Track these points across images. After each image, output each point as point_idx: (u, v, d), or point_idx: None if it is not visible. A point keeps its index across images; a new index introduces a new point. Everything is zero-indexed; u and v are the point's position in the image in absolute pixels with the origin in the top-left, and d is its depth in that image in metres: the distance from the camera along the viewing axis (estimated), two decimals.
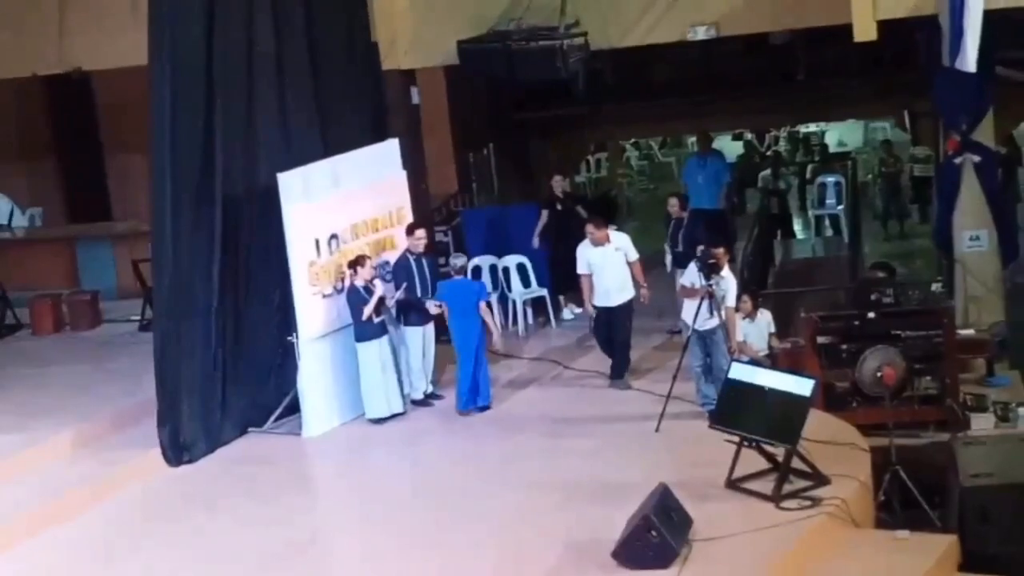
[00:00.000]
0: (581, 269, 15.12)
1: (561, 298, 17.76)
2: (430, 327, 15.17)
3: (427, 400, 15.10)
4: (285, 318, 14.61)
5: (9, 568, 11.77)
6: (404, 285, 14.72)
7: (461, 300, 15.10)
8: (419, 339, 15.01)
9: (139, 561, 11.91)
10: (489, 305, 15.85)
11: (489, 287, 17.28)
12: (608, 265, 15.05)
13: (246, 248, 14.56)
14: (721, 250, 14.43)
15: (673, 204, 17.25)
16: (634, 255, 15.19)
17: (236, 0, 14.58)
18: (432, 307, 14.85)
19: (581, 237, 15.43)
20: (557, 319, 17.83)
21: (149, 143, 14.16)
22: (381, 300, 14.37)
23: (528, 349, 16.72)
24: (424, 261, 15.11)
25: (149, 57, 13.98)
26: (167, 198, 13.95)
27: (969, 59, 15.68)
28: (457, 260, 15.61)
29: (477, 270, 17.35)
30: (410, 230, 15.15)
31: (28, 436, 13.92)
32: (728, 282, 14.11)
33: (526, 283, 17.31)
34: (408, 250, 14.99)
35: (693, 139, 31.00)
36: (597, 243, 15.03)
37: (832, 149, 30.97)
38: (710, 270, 13.93)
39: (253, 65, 14.80)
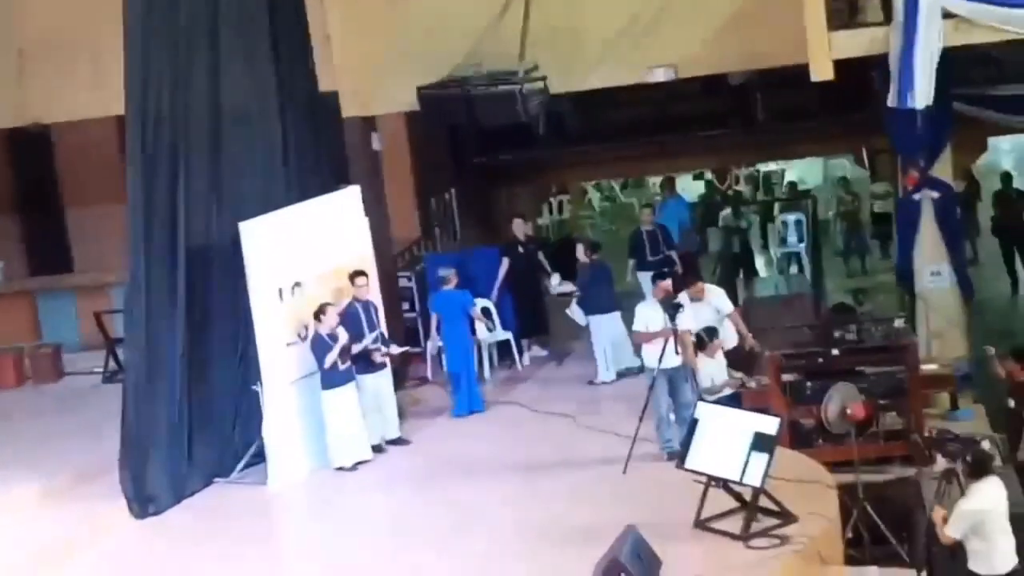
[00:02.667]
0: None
1: (525, 341, 17.77)
2: (383, 374, 15.21)
3: (382, 448, 15.04)
4: (250, 367, 14.61)
5: None
6: (375, 334, 14.78)
7: (450, 309, 16.01)
8: (370, 386, 15.00)
9: None
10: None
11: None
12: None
13: (211, 298, 14.57)
14: (699, 285, 15.33)
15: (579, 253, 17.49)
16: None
17: (201, 52, 14.67)
18: (378, 356, 14.94)
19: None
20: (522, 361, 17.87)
21: (124, 196, 14.30)
22: (348, 344, 14.42)
23: (494, 393, 16.72)
24: (371, 307, 15.14)
25: (125, 110, 14.14)
26: (141, 252, 14.06)
27: (919, 96, 15.89)
28: (446, 272, 16.31)
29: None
30: (352, 277, 15.10)
31: None
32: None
33: (491, 324, 17.35)
34: (355, 297, 15.00)
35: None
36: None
37: (787, 185, 31.14)
38: (675, 311, 14.02)
39: (218, 116, 14.87)
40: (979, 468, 10.56)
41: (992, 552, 10.43)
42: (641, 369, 15.05)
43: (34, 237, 21.22)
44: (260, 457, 14.57)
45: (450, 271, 16.54)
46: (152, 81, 14.12)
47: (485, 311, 17.36)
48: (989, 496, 10.40)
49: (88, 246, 20.43)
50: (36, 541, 13.22)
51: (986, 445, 13.71)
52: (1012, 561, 10.44)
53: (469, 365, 16.39)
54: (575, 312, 16.87)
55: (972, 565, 10.50)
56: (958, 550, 10.70)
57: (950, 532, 10.39)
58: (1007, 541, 10.43)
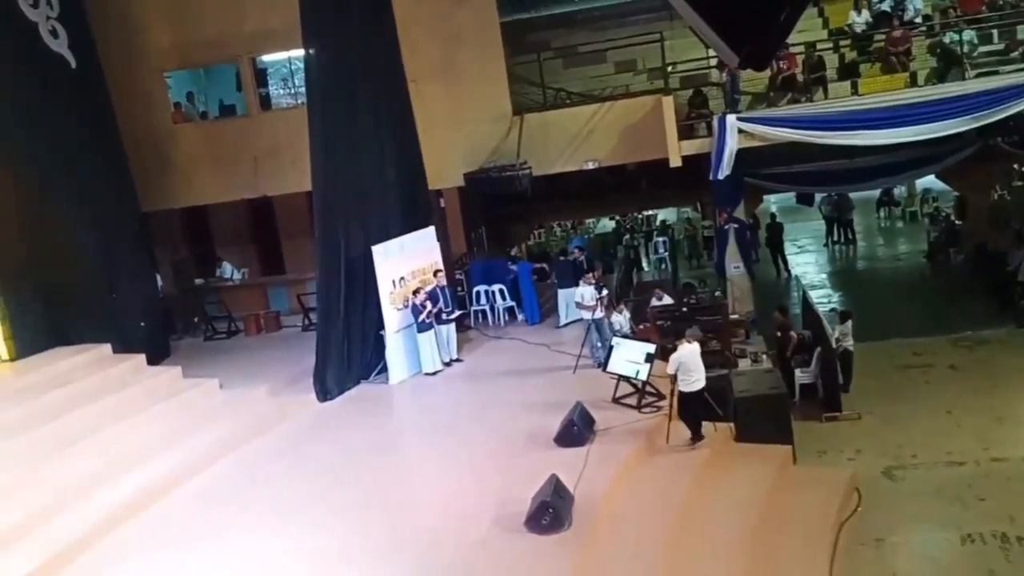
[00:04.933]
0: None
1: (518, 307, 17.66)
2: (452, 326, 15.08)
3: (450, 363, 14.91)
4: (378, 321, 14.58)
5: (243, 456, 11.79)
6: (439, 304, 14.73)
7: (524, 270, 16.84)
8: (444, 331, 14.88)
9: (307, 451, 11.99)
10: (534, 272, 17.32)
11: (484, 301, 17.32)
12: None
13: (358, 285, 14.48)
14: (596, 272, 15.28)
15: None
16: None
17: (354, 153, 14.54)
18: (445, 316, 14.77)
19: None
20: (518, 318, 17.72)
21: (311, 233, 14.36)
22: (429, 309, 14.40)
23: (505, 334, 16.59)
24: (446, 289, 15.05)
25: (313, 187, 14.11)
26: (322, 262, 14.11)
27: (724, 172, 15.92)
28: (517, 252, 17.61)
29: (479, 293, 17.37)
30: (435, 273, 15.10)
31: (243, 388, 13.92)
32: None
33: (504, 299, 17.32)
34: (437, 284, 14.96)
35: (588, 221, 31.31)
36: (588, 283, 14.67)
37: (659, 222, 31.06)
38: (600, 289, 14.09)
39: (366, 189, 14.78)
40: (677, 339, 11.41)
41: (689, 380, 11.04)
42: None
43: (264, 255, 21.22)
44: (384, 368, 14.57)
45: (521, 253, 17.62)
46: (326, 170, 14.08)
47: (501, 291, 17.19)
48: (683, 351, 11.05)
49: (293, 259, 20.44)
50: (268, 413, 13.27)
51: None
52: (700, 385, 11.11)
53: (533, 298, 16.73)
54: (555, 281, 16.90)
55: (681, 388, 11.09)
56: (675, 382, 11.15)
57: (669, 369, 11.12)
58: (697, 375, 11.08)
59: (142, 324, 15.73)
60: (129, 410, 12.27)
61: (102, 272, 15.27)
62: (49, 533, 9.37)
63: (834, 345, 14.57)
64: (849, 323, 15.12)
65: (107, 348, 13.97)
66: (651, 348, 12.17)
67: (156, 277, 18.07)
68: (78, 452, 10.86)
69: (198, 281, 19.48)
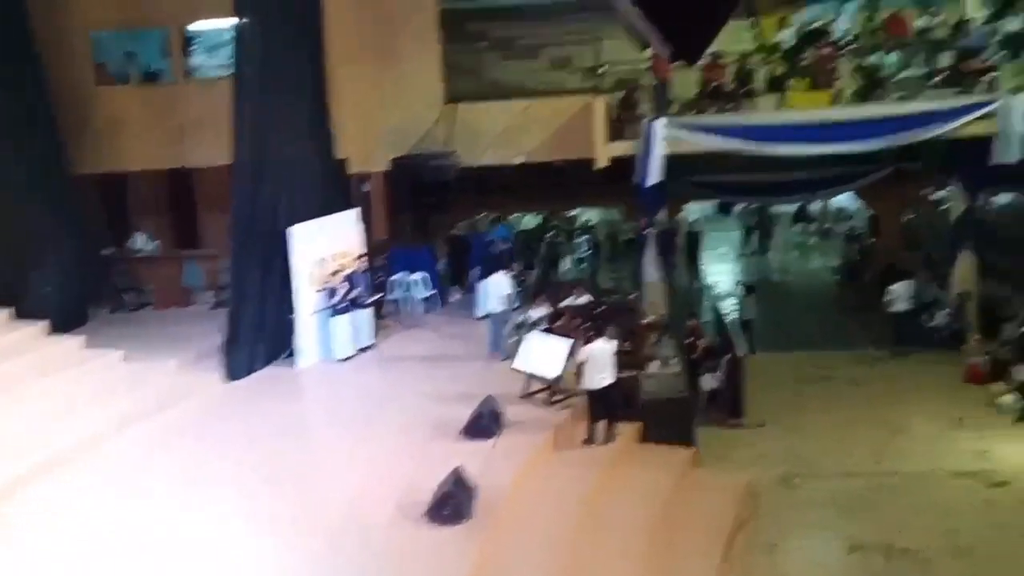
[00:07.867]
0: None
1: (453, 288, 17.64)
2: (367, 311, 14.91)
3: (364, 350, 14.76)
4: (290, 303, 14.33)
5: (147, 431, 11.53)
6: (359, 287, 14.57)
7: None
8: (359, 316, 14.72)
9: (212, 430, 11.81)
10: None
11: (403, 289, 17.17)
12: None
13: (274, 265, 14.22)
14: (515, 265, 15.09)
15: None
16: None
17: (276, 128, 14.33)
18: (361, 300, 14.61)
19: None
20: (444, 302, 17.56)
21: (228, 207, 14.07)
22: (346, 293, 14.23)
23: (422, 323, 16.55)
24: (365, 274, 14.86)
25: (234, 159, 13.80)
26: (239, 238, 13.89)
27: (651, 179, 16.09)
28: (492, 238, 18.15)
29: (398, 281, 17.20)
30: (356, 258, 14.94)
31: (150, 363, 13.56)
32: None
33: (425, 287, 17.17)
34: (357, 269, 14.78)
35: (513, 215, 31.23)
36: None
37: (583, 222, 31.10)
38: (520, 281, 14.11)
39: (288, 166, 14.53)
40: (597, 336, 11.56)
41: (589, 377, 11.24)
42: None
43: (180, 228, 20.61)
44: (291, 352, 14.32)
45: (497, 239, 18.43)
46: (247, 145, 13.83)
47: (423, 279, 17.13)
48: (593, 348, 11.31)
49: (209, 234, 19.87)
50: (172, 389, 12.94)
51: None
52: (600, 384, 11.23)
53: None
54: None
55: (582, 385, 11.37)
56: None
57: (578, 358, 11.39)
58: (599, 374, 11.22)
59: (48, 289, 15.20)
60: (18, 379, 11.86)
61: (10, 233, 14.74)
62: None
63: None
64: (753, 296, 18.12)
65: (4, 313, 13.46)
66: (566, 345, 12.23)
67: (81, 243, 17.44)
68: None
69: (107, 251, 18.89)
